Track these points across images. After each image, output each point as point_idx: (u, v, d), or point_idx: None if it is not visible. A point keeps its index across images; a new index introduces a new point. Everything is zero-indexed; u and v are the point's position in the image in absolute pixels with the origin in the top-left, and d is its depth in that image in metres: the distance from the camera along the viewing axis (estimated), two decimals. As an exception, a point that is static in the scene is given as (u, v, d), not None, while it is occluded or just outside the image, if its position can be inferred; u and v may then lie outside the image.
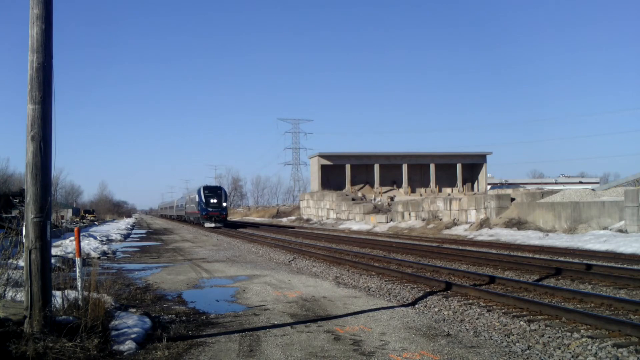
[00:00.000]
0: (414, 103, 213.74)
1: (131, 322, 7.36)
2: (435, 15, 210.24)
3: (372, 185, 68.11)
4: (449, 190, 69.05)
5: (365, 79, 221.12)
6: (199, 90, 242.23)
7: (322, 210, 60.20)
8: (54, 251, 13.48)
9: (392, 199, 57.46)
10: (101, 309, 7.05)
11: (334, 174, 68.34)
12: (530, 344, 6.82)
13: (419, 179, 70.44)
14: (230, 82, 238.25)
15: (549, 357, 6.31)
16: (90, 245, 22.17)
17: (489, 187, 74.96)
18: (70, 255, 16.71)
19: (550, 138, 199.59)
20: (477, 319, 8.31)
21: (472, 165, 72.42)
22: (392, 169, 68.64)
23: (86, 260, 16.96)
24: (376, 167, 67.70)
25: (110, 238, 32.25)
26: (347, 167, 67.30)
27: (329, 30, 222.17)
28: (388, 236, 32.45)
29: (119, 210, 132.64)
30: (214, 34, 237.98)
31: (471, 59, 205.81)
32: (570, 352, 6.41)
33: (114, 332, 6.87)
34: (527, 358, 6.24)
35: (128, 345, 6.43)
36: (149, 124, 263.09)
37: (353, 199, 56.45)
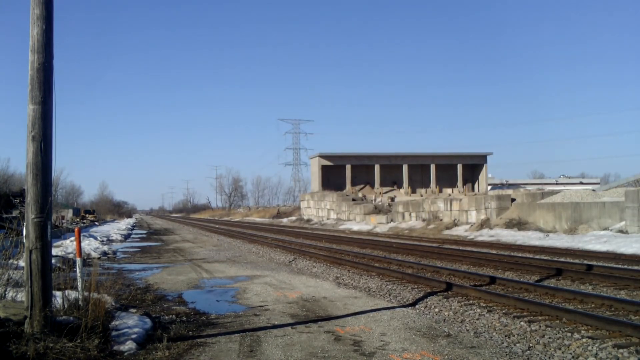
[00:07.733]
0: (415, 103, 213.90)
1: (131, 323, 7.35)
2: (436, 14, 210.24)
3: (372, 186, 68.08)
4: (449, 190, 69.03)
5: (366, 78, 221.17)
6: (199, 91, 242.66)
7: (323, 210, 60.13)
8: (54, 251, 13.47)
9: (392, 199, 57.42)
10: (101, 309, 7.04)
11: (335, 174, 68.31)
12: (531, 345, 6.82)
13: (419, 179, 70.45)
14: (231, 82, 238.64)
15: (549, 357, 6.31)
16: (90, 245, 22.16)
17: (489, 187, 74.89)
18: (71, 256, 16.70)
19: (550, 138, 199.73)
20: (477, 319, 8.31)
21: (473, 166, 72.41)
22: (392, 170, 68.63)
23: (87, 261, 16.94)
24: (376, 167, 67.70)
25: (110, 238, 32.24)
26: (348, 167, 67.30)
27: (329, 29, 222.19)
28: (388, 236, 32.42)
29: (120, 210, 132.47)
30: (214, 34, 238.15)
31: (472, 58, 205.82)
32: (570, 353, 6.40)
33: (114, 333, 6.87)
34: (528, 358, 6.23)
35: (128, 346, 6.43)
36: (149, 124, 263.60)
37: (353, 200, 56.41)
